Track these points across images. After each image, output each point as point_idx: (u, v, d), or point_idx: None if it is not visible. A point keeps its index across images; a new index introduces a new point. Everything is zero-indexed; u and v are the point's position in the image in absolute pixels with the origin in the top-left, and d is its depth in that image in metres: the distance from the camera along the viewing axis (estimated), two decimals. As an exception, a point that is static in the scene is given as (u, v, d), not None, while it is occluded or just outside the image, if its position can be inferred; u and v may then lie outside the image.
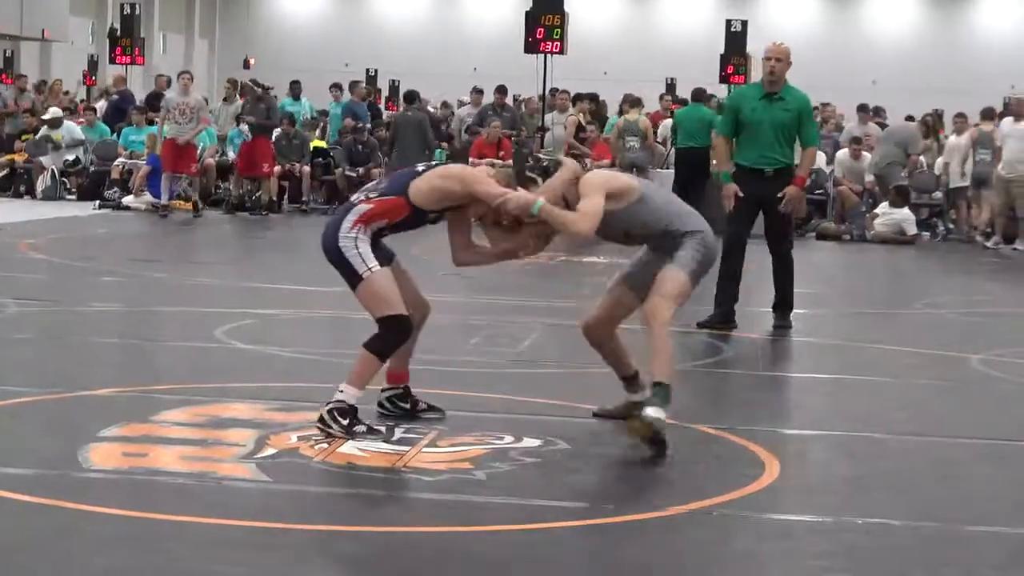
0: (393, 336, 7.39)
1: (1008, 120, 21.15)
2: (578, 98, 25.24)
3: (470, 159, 22.20)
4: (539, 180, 7.45)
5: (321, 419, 7.20)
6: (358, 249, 7.45)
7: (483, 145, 23.14)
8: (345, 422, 7.17)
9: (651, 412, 7.08)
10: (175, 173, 22.30)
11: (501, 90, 25.33)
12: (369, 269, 7.44)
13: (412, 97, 24.51)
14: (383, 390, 7.77)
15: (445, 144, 25.42)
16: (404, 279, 7.78)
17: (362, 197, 7.58)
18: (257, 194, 23.27)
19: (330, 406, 7.22)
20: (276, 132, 23.84)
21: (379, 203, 7.49)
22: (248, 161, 23.08)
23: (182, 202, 23.13)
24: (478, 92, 27.17)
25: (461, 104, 29.40)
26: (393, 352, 7.46)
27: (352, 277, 7.49)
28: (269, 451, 6.86)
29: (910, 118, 27.55)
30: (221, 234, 20.69)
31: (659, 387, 7.22)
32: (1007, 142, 20.86)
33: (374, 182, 7.99)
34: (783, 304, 11.84)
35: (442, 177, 7.49)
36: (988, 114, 23.00)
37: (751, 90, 12.32)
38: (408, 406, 7.73)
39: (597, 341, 7.89)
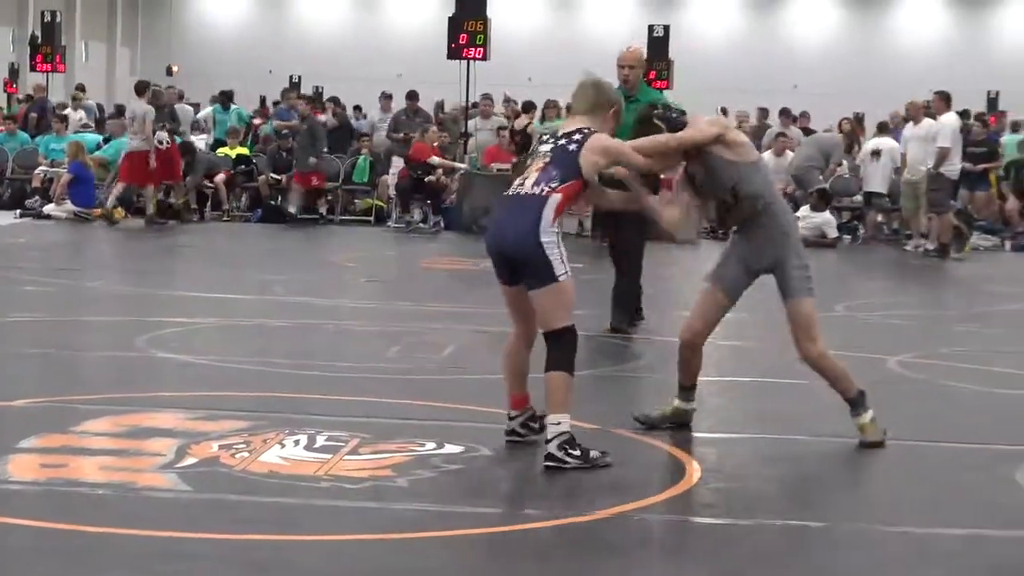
0: (573, 346, 7.12)
1: (908, 125, 21.39)
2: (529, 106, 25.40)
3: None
4: (663, 127, 7.60)
5: (552, 457, 6.90)
6: (560, 248, 7.09)
7: (421, 149, 23.18)
8: (578, 453, 6.92)
9: (868, 417, 7.77)
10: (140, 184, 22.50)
11: (412, 96, 25.68)
12: (567, 272, 7.09)
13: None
14: (511, 417, 7.49)
15: (365, 148, 25.38)
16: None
17: (545, 188, 7.14)
18: (169, 201, 23.16)
19: (556, 441, 6.92)
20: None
21: (566, 190, 7.15)
22: (159, 169, 22.97)
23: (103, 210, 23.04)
24: (387, 98, 27.30)
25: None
26: (575, 361, 7.15)
27: (546, 277, 7.05)
28: (190, 461, 6.84)
29: (827, 130, 27.84)
30: (142, 243, 20.57)
31: (860, 397, 7.80)
32: (908, 146, 21.08)
33: (536, 174, 7.25)
34: (627, 308, 11.84)
35: (596, 152, 7.22)
36: (883, 128, 23.37)
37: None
38: (538, 426, 7.41)
39: (694, 350, 7.98)
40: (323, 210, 23.66)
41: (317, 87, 37.76)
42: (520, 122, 23.33)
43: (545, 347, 7.17)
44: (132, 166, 22.18)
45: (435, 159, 23.20)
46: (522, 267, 7.13)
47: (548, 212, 7.07)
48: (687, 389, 7.99)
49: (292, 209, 23.48)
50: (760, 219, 7.70)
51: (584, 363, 9.88)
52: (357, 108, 32.23)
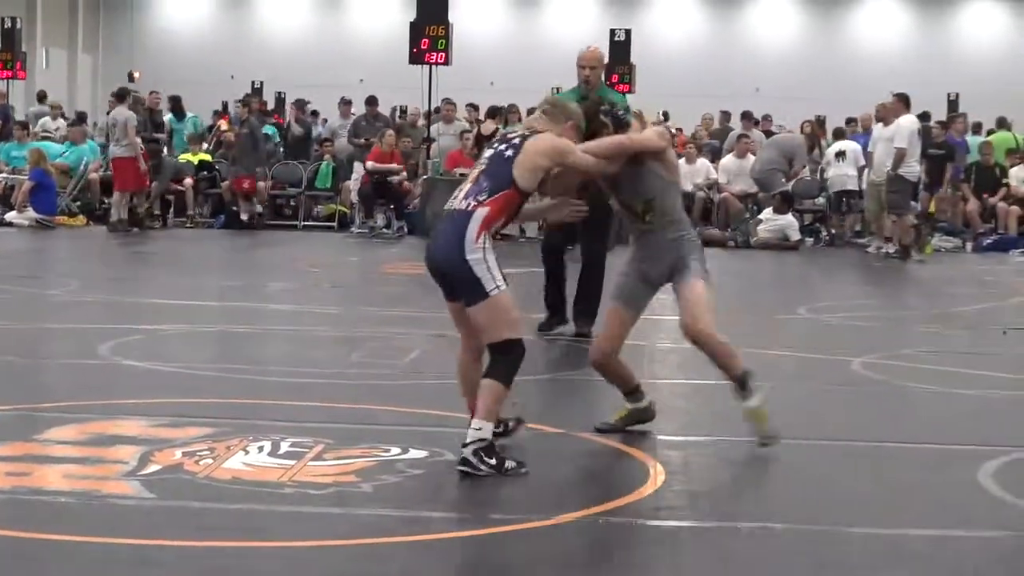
0: (516, 359, 6.98)
1: (878, 126, 21.47)
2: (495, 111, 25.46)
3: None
4: (610, 125, 7.61)
5: (466, 461, 6.78)
6: (487, 263, 6.91)
7: (379, 154, 23.19)
8: (493, 461, 6.80)
9: (755, 402, 7.69)
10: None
11: (372, 101, 25.80)
12: (497, 287, 6.92)
13: (246, 104, 24.56)
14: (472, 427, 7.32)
15: (328, 154, 25.39)
16: None
17: (472, 202, 7.00)
18: (131, 207, 23.10)
19: (473, 447, 6.79)
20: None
21: (494, 203, 6.98)
22: (120, 176, 22.95)
23: (67, 217, 23.02)
24: (347, 103, 27.34)
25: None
26: (515, 376, 7.01)
27: (476, 294, 6.93)
28: (153, 468, 6.82)
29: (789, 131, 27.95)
30: (105, 250, 20.50)
31: (746, 377, 7.73)
32: (876, 146, 21.16)
33: (469, 186, 7.13)
34: (589, 312, 11.67)
35: (539, 154, 7.09)
36: (839, 134, 23.50)
37: (570, 95, 11.72)
38: (501, 429, 7.33)
39: (608, 368, 7.96)
40: (244, 216, 23.49)
41: (280, 92, 37.68)
42: (487, 127, 23.32)
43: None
44: (122, 174, 22.28)
45: (369, 164, 23.29)
46: (455, 284, 7.05)
47: (472, 228, 6.92)
48: (631, 392, 8.00)
49: (244, 216, 23.40)
50: (663, 233, 7.70)
51: (546, 367, 9.93)
52: (314, 114, 32.22)
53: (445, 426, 7.90)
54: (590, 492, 6.69)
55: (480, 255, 6.91)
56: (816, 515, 6.39)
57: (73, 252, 20.20)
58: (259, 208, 23.83)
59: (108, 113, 24.67)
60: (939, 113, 29.92)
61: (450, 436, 7.49)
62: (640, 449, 7.51)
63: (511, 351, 6.95)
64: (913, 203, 21.75)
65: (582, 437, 7.81)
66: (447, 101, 25.20)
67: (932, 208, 24.13)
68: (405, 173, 23.58)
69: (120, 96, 23.06)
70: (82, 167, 24.47)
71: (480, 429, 6.83)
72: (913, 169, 20.90)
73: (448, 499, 6.53)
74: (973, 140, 26.70)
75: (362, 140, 24.40)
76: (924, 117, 24.93)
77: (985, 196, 23.89)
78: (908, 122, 20.65)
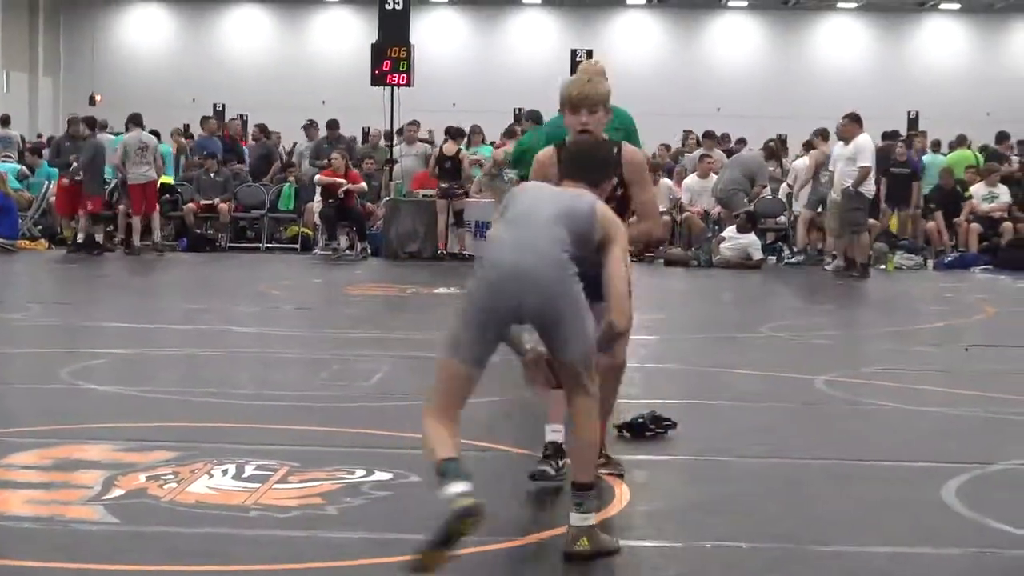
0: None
1: (839, 144, 21.56)
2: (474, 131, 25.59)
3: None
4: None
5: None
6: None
7: (331, 173, 23.18)
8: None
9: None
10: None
11: (332, 125, 26.00)
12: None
13: (92, 124, 24.47)
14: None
15: (292, 177, 25.41)
16: None
17: None
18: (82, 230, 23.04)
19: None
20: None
21: None
22: (69, 200, 22.92)
23: (29, 241, 22.97)
24: (314, 127, 27.44)
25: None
26: None
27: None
28: (117, 492, 6.79)
29: (741, 140, 28.05)
30: (66, 273, 20.43)
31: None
32: (837, 165, 21.25)
33: None
34: None
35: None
36: (823, 134, 23.45)
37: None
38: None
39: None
40: (79, 237, 22.91)
41: (242, 115, 37.66)
42: (449, 148, 23.35)
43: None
44: (148, 197, 22.63)
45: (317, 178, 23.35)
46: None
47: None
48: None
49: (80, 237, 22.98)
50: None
51: (508, 388, 9.90)
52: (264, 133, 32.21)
53: (410, 448, 7.89)
54: (556, 513, 6.68)
55: None
56: (782, 533, 6.40)
57: (34, 276, 20.11)
58: (99, 234, 23.37)
59: (119, 136, 24.76)
60: (899, 130, 30.11)
61: (415, 458, 7.47)
62: (605, 468, 7.50)
63: None
64: (871, 220, 21.87)
65: (547, 457, 7.80)
66: (412, 122, 25.24)
67: (893, 226, 24.27)
68: (364, 186, 23.53)
69: (137, 121, 23.27)
70: (43, 191, 24.40)
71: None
72: (871, 187, 21.01)
73: (414, 521, 6.51)
74: (932, 159, 26.88)
75: (324, 162, 24.42)
76: (893, 136, 25.06)
77: (946, 219, 24.10)
78: (866, 140, 20.76)
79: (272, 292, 17.65)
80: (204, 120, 28.97)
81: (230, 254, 23.39)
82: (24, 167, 25.82)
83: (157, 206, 23.16)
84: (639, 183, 7.08)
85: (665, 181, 24.73)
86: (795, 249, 23.40)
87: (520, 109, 37.40)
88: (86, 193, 22.53)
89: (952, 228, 24.27)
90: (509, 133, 23.34)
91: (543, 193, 6.20)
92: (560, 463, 7.12)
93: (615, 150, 6.98)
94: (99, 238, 22.79)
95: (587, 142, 6.80)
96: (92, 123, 24.31)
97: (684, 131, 30.87)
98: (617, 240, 6.06)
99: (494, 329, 5.85)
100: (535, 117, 21.83)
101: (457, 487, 5.52)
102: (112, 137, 27.41)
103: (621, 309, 6.03)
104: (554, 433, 7.21)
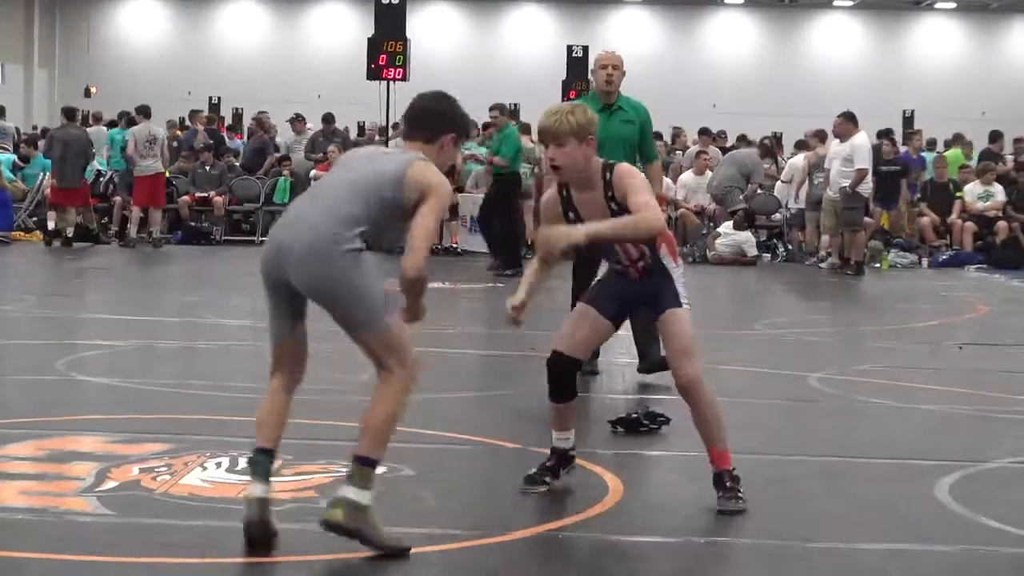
0: None
1: (835, 142, 21.56)
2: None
3: None
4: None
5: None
6: None
7: (327, 167, 23.22)
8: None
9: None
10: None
11: (328, 119, 26.07)
12: None
13: (71, 114, 24.36)
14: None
15: (287, 170, 25.43)
16: None
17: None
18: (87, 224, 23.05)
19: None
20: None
21: None
22: (149, 192, 23.02)
23: (24, 233, 22.94)
24: (300, 120, 27.44)
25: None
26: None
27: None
28: (110, 484, 6.79)
29: (742, 137, 28.02)
30: (61, 265, 20.41)
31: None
32: (833, 163, 21.24)
33: None
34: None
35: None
36: (821, 136, 23.46)
37: (590, 102, 10.27)
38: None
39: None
40: (69, 231, 22.95)
41: (237, 108, 37.64)
42: None
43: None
44: (158, 190, 22.78)
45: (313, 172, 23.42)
46: None
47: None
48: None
49: (70, 232, 22.99)
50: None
51: (499, 383, 9.94)
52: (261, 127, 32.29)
53: (402, 442, 7.89)
54: (549, 507, 6.69)
55: None
56: (775, 529, 6.41)
57: (29, 268, 20.09)
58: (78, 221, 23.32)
59: (127, 128, 24.76)
60: (894, 129, 30.11)
61: (407, 451, 7.49)
62: (599, 464, 7.51)
63: None
64: (867, 219, 21.88)
65: (539, 452, 7.80)
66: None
67: (886, 224, 24.28)
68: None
69: (147, 113, 23.31)
70: (38, 182, 24.38)
71: None
72: (867, 186, 21.03)
73: (407, 514, 6.51)
74: (928, 156, 26.91)
75: (320, 155, 24.43)
76: (886, 134, 25.09)
77: (939, 216, 24.11)
78: (863, 140, 20.77)
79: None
80: (193, 113, 29.00)
81: (225, 247, 23.38)
82: (18, 158, 25.80)
83: (164, 201, 23.21)
84: (630, 191, 6.62)
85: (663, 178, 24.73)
86: (789, 247, 23.44)
87: (516, 104, 37.43)
88: (54, 186, 22.56)
89: (946, 226, 24.28)
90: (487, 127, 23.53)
91: (354, 161, 6.09)
92: (563, 471, 7.08)
93: (607, 174, 6.67)
94: (70, 232, 22.60)
95: (425, 96, 6.56)
96: (71, 114, 24.08)
97: (673, 128, 30.79)
98: (432, 196, 5.88)
99: (284, 305, 5.98)
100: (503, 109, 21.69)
101: (256, 489, 5.76)
102: (104, 129, 27.43)
103: (413, 260, 5.99)
104: (560, 441, 7.12)
